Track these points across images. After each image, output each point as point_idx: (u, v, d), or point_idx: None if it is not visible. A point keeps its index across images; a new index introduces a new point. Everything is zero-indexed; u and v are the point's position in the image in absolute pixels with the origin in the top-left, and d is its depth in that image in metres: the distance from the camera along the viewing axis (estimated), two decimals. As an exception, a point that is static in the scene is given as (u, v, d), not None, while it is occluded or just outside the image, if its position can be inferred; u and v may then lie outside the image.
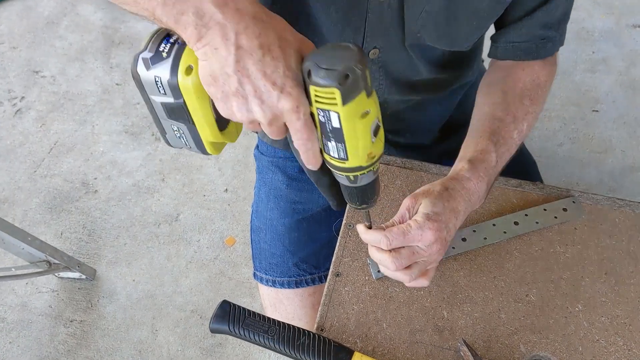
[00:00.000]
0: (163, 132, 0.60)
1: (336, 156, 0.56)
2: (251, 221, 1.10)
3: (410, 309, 0.76)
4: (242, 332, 0.72)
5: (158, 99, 0.55)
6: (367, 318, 0.76)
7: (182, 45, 0.53)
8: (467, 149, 0.76)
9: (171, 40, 0.54)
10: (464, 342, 0.71)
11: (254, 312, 0.74)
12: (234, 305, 0.75)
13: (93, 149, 1.85)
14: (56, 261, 1.42)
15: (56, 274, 1.53)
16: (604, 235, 0.82)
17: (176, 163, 1.79)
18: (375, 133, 0.56)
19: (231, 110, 0.51)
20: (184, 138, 0.59)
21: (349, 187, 0.62)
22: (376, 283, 0.78)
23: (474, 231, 0.82)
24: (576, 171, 1.66)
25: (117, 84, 2.02)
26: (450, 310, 0.76)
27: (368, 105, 0.53)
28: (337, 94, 0.50)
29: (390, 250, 0.66)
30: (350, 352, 0.70)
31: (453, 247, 0.81)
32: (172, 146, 0.62)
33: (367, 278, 0.79)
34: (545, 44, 0.80)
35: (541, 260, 0.80)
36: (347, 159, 0.56)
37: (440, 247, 0.67)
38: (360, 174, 0.59)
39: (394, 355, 0.73)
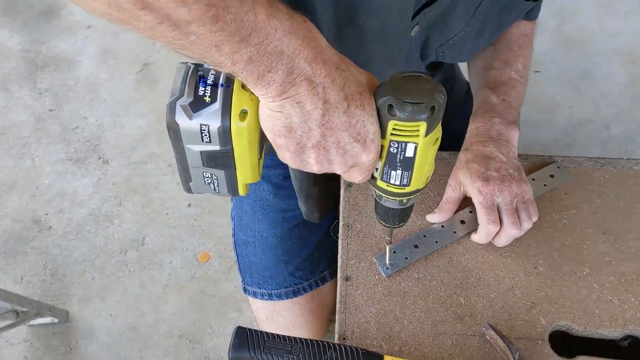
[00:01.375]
0: (187, 180, 0.55)
1: (397, 183, 0.55)
2: (234, 235, 1.06)
3: (427, 300, 0.75)
4: (264, 357, 0.69)
5: (198, 147, 0.50)
6: (387, 318, 0.74)
7: (229, 86, 0.48)
8: (473, 108, 0.82)
9: (209, 82, 0.49)
10: (490, 325, 0.71)
11: (272, 334, 0.71)
12: (250, 330, 0.71)
13: (37, 182, 1.74)
14: (24, 309, 1.33)
15: (26, 323, 1.43)
16: (593, 195, 0.84)
17: (130, 184, 1.71)
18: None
19: (306, 161, 0.50)
20: (215, 184, 0.55)
21: (394, 209, 0.61)
22: (388, 281, 0.77)
23: (471, 212, 0.82)
24: (531, 133, 1.71)
25: (50, 110, 1.91)
26: (466, 296, 0.76)
27: (439, 133, 0.52)
28: (422, 127, 0.49)
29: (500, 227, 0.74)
30: (379, 357, 0.68)
31: (454, 232, 0.80)
32: (191, 193, 0.57)
33: (377, 277, 0.77)
34: (536, 7, 0.84)
35: (541, 230, 0.81)
36: (408, 185, 0.55)
37: (508, 184, 0.74)
38: (414, 197, 0.58)
39: (421, 352, 0.72)
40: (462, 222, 0.81)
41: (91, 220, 1.65)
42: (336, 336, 0.74)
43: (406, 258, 0.78)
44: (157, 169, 1.74)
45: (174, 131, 0.49)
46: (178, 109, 0.48)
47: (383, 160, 0.54)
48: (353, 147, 0.49)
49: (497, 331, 0.70)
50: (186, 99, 0.48)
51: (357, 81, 0.48)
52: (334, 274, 1.11)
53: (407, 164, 0.53)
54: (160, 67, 1.98)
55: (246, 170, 0.53)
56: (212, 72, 0.50)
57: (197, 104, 0.48)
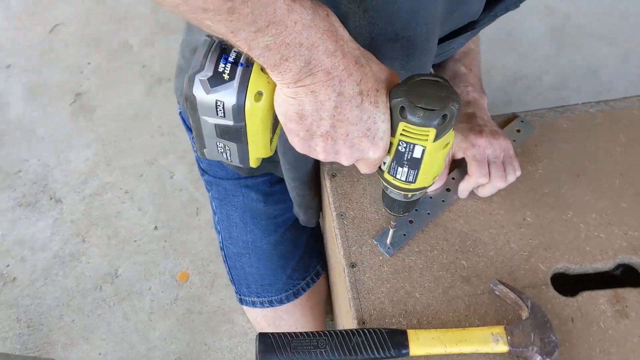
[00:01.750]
0: (202, 146, 0.56)
1: (403, 179, 0.56)
2: (223, 249, 1.05)
3: (432, 270, 0.78)
4: (294, 357, 0.70)
5: (213, 120, 0.52)
6: (399, 294, 0.77)
7: (248, 67, 0.49)
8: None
9: (230, 60, 0.50)
10: (498, 281, 0.74)
11: (295, 333, 0.71)
12: (272, 334, 0.72)
13: (-10, 236, 1.66)
14: (8, 368, 1.27)
15: (12, 381, 1.37)
16: (560, 143, 0.89)
17: (90, 218, 1.66)
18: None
19: (313, 148, 0.51)
20: (228, 154, 0.56)
21: (399, 201, 0.62)
22: (392, 259, 0.79)
23: (453, 178, 0.85)
24: (473, 96, 1.77)
25: (-14, 159, 1.81)
26: (467, 258, 0.79)
27: (451, 137, 0.53)
28: (432, 133, 0.50)
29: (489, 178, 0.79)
30: (403, 332, 0.70)
31: (443, 201, 0.84)
32: (205, 158, 0.58)
33: (381, 258, 0.79)
34: None
35: (521, 183, 0.85)
36: (414, 182, 0.57)
37: (497, 138, 0.79)
38: (419, 193, 0.60)
39: (439, 320, 0.75)
40: (448, 190, 0.84)
41: (57, 263, 1.59)
42: (355, 322, 0.75)
43: (404, 235, 0.80)
44: (114, 197, 1.69)
45: (190, 102, 0.51)
46: (197, 82, 0.49)
47: (391, 155, 0.55)
48: (361, 142, 0.50)
49: (506, 284, 0.74)
50: (205, 74, 0.49)
51: (375, 77, 0.49)
52: (324, 267, 1.12)
53: (415, 164, 0.55)
54: (94, 94, 1.92)
55: (258, 146, 0.55)
56: (235, 49, 0.50)
57: (216, 80, 0.49)
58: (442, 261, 0.79)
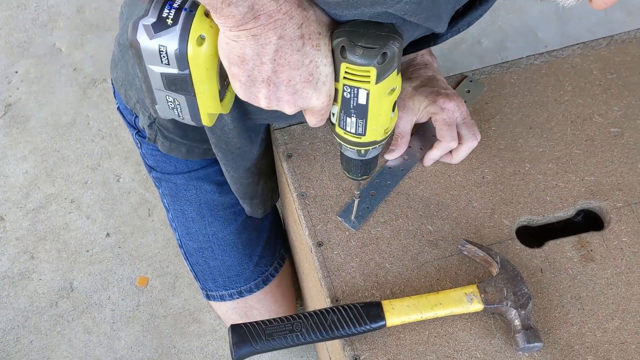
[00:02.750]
0: (153, 102, 0.55)
1: (352, 132, 0.55)
2: (182, 246, 1.01)
3: (399, 238, 0.77)
4: (270, 345, 0.68)
5: (158, 69, 0.51)
6: (369, 267, 0.75)
7: (191, 11, 0.48)
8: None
9: (175, 5, 0.48)
10: (466, 241, 0.74)
11: (268, 320, 0.69)
12: (245, 324, 0.69)
13: None
14: (-34, 400, 1.19)
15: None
16: (510, 97, 0.89)
17: (37, 233, 1.58)
18: (394, 108, 0.55)
19: (255, 95, 0.49)
20: (178, 109, 0.55)
21: (354, 159, 0.61)
22: (358, 233, 0.77)
23: (410, 147, 0.84)
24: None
25: None
26: (432, 223, 0.78)
27: (396, 82, 0.52)
28: (372, 72, 0.49)
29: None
30: (378, 304, 0.69)
31: (402, 169, 0.82)
32: (160, 116, 0.57)
33: (347, 233, 0.77)
34: None
35: (476, 142, 0.85)
36: (364, 135, 0.56)
37: (461, 101, 0.80)
38: (372, 149, 0.58)
39: (411, 287, 0.74)
40: (406, 158, 0.83)
41: (6, 284, 1.50)
42: (328, 300, 0.73)
43: (367, 207, 0.79)
44: (60, 208, 1.61)
45: (135, 49, 0.50)
46: (140, 27, 0.49)
47: (339, 105, 0.54)
48: (304, 89, 0.49)
49: (474, 243, 0.73)
50: (149, 19, 0.48)
51: (318, 21, 0.48)
52: (287, 251, 1.10)
53: (361, 112, 0.53)
54: (26, 103, 1.81)
55: (206, 98, 0.53)
56: None
57: (159, 25, 0.48)
58: (408, 228, 0.78)
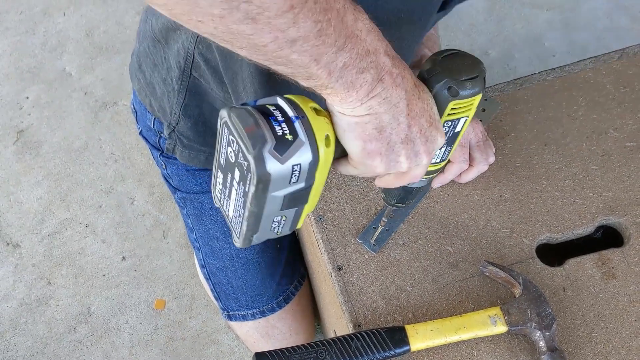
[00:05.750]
0: (253, 232, 0.49)
1: (437, 161, 0.57)
2: (205, 266, 1.02)
3: (419, 260, 0.77)
4: (294, 373, 0.68)
5: (282, 192, 0.46)
6: (390, 291, 0.75)
7: (303, 117, 0.45)
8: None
9: (280, 119, 0.44)
10: (487, 262, 0.73)
11: (291, 348, 0.69)
12: (269, 352, 0.69)
13: (-54, 293, 1.56)
14: None
15: None
16: (524, 114, 0.89)
17: (53, 259, 1.59)
18: None
19: (396, 161, 0.48)
20: (280, 226, 0.50)
21: (415, 188, 0.62)
22: (378, 256, 0.77)
23: (425, 166, 0.84)
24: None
25: None
26: (452, 244, 0.78)
27: None
28: (477, 98, 0.51)
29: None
30: (401, 329, 0.69)
31: (420, 191, 0.82)
32: (250, 244, 0.52)
33: (366, 256, 0.78)
34: None
35: (492, 160, 0.85)
36: (446, 159, 0.58)
37: (476, 122, 0.79)
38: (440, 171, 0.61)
39: (433, 310, 0.73)
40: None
41: (24, 311, 1.51)
42: (350, 326, 0.73)
43: (387, 230, 0.79)
44: (75, 233, 1.62)
45: (264, 184, 0.44)
46: (267, 157, 0.43)
47: None
48: (431, 132, 0.49)
49: (495, 264, 0.73)
50: (269, 145, 0.43)
51: (408, 69, 0.49)
52: (305, 269, 1.10)
53: (453, 139, 0.55)
54: (38, 129, 1.83)
55: (315, 199, 0.50)
56: (272, 107, 0.46)
57: (282, 145, 0.43)
58: (427, 250, 0.78)
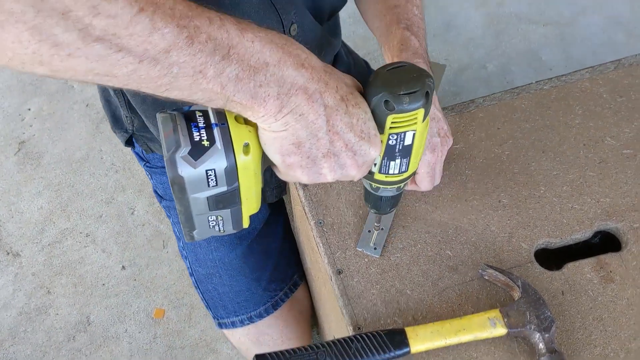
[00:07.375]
0: (191, 229, 0.52)
1: (396, 172, 0.57)
2: (193, 274, 1.02)
3: (419, 264, 0.78)
4: (295, 374, 0.68)
5: (204, 194, 0.48)
6: (390, 294, 0.76)
7: (223, 125, 0.47)
8: (390, 43, 0.77)
9: (200, 125, 0.46)
10: (487, 265, 0.74)
11: (292, 350, 0.70)
12: (269, 354, 0.70)
13: (-55, 302, 1.56)
14: None
15: None
16: (521, 122, 0.90)
17: (53, 268, 1.59)
18: None
19: (319, 172, 0.49)
20: (220, 225, 0.53)
21: (392, 197, 0.63)
22: (377, 259, 0.78)
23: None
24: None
25: None
26: (451, 248, 0.79)
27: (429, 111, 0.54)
28: (420, 113, 0.50)
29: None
30: (401, 331, 0.70)
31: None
32: (194, 240, 0.54)
33: (366, 260, 0.78)
34: None
35: (490, 166, 0.86)
36: (406, 171, 0.57)
37: (447, 143, 0.75)
38: (408, 181, 0.60)
39: (433, 313, 0.74)
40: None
41: (24, 320, 1.51)
42: (350, 328, 0.74)
43: (382, 229, 0.80)
44: (75, 243, 1.63)
45: (178, 185, 0.47)
46: (179, 161, 0.46)
47: (382, 154, 0.55)
48: (361, 146, 0.49)
49: (495, 267, 0.74)
50: (184, 149, 0.46)
51: (344, 82, 0.49)
52: (302, 277, 1.11)
53: (406, 152, 0.55)
54: (39, 140, 1.85)
55: (251, 202, 0.52)
56: (199, 113, 0.48)
57: (197, 151, 0.46)
58: (427, 254, 0.79)
